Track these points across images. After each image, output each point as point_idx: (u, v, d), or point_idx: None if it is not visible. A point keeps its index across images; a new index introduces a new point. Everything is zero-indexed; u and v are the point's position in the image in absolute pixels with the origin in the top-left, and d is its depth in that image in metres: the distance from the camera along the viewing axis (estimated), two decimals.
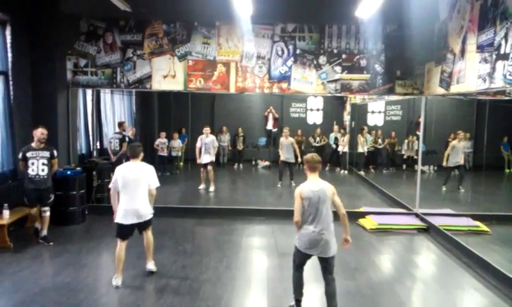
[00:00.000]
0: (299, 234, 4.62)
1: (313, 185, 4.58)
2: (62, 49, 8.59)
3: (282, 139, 11.89)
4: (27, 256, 6.35)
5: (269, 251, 6.87)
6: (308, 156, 4.74)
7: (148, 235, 5.66)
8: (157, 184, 5.56)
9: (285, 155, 11.71)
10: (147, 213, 5.49)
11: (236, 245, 7.09)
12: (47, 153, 6.82)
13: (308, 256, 4.64)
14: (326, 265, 4.58)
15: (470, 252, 6.56)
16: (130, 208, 5.36)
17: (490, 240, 7.68)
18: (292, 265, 4.82)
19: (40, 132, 6.75)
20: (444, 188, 11.57)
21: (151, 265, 5.73)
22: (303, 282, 4.76)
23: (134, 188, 5.36)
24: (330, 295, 4.57)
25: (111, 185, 5.49)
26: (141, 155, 5.55)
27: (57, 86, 8.39)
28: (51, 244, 6.85)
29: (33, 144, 6.74)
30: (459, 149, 11.29)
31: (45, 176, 6.83)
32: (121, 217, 5.37)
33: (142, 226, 5.56)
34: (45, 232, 6.92)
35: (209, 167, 11.20)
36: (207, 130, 11.27)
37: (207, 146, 11.16)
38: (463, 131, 14.14)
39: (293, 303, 4.76)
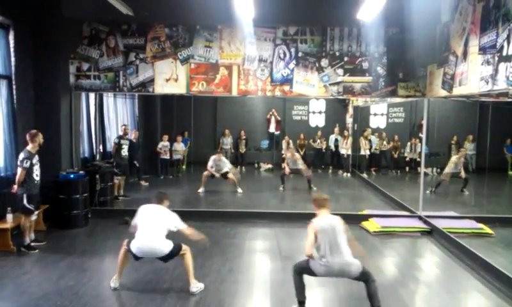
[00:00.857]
0: (318, 261, 4.72)
1: (326, 219, 4.85)
2: (65, 53, 8.62)
3: (289, 155, 12.24)
4: (31, 260, 6.37)
5: (272, 254, 6.86)
6: (315, 196, 5.16)
7: (184, 258, 5.33)
8: (184, 225, 5.38)
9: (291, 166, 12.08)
10: (162, 250, 5.24)
11: (239, 248, 7.09)
12: (37, 157, 6.84)
13: None
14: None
15: (474, 255, 6.54)
16: (143, 246, 5.22)
17: (494, 243, 7.66)
18: (294, 269, 4.89)
19: (41, 137, 6.79)
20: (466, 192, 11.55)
21: (192, 289, 5.29)
22: (304, 284, 4.84)
23: (150, 227, 5.22)
24: (370, 295, 4.74)
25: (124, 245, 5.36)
26: (166, 202, 5.55)
27: (60, 89, 8.41)
28: (45, 243, 7.01)
29: (31, 150, 6.65)
30: (458, 165, 11.26)
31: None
32: (134, 249, 5.24)
33: (163, 259, 5.35)
34: (33, 234, 6.95)
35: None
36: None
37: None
38: (466, 133, 14.20)
39: (296, 306, 4.77)
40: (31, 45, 8.02)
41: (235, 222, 8.42)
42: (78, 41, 8.71)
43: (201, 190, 11.36)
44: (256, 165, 16.49)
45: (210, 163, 11.50)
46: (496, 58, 5.89)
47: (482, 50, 6.31)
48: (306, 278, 5.75)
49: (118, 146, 10.63)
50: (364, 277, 4.75)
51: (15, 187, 6.64)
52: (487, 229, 7.97)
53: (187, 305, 4.99)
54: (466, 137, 14.51)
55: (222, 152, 12.37)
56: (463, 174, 11.33)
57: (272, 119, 16.87)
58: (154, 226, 5.24)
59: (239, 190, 11.42)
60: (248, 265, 6.43)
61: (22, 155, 6.57)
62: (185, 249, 5.36)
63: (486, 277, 5.99)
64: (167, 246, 5.24)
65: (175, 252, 5.29)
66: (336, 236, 4.69)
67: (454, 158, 11.46)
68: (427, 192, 10.92)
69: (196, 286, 5.34)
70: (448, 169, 11.24)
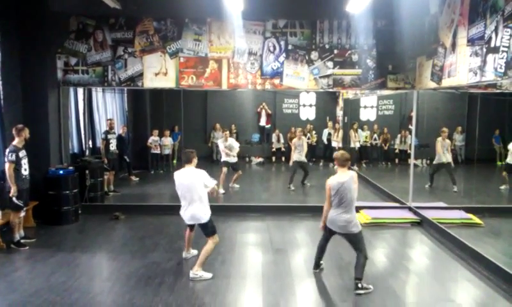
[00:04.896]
0: (330, 213, 5.44)
1: (338, 176, 5.38)
2: (52, 48, 8.51)
3: (295, 140, 11.38)
4: (21, 257, 6.33)
5: (263, 247, 6.88)
6: (337, 154, 5.56)
7: (207, 243, 5.65)
8: (212, 183, 5.76)
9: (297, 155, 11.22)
10: (202, 216, 5.60)
11: (231, 241, 7.09)
12: (24, 151, 6.76)
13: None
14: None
15: (463, 245, 6.61)
16: (186, 213, 5.66)
17: (483, 232, 7.74)
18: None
19: (27, 132, 6.72)
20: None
21: (191, 273, 5.58)
22: (324, 248, 5.72)
23: (188, 194, 5.56)
24: (357, 265, 5.29)
25: None
26: (195, 160, 5.71)
27: (47, 84, 8.31)
28: (34, 239, 6.96)
29: (18, 144, 6.60)
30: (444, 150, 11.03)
31: None
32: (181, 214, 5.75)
33: (201, 228, 5.73)
34: (22, 231, 6.89)
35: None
36: (226, 133, 11.26)
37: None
38: (455, 124, 14.28)
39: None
40: (18, 39, 7.90)
41: (227, 215, 8.40)
42: (65, 36, 8.61)
43: (221, 191, 10.45)
44: (247, 159, 16.47)
45: (220, 146, 10.96)
46: (485, 49, 5.93)
47: (471, 41, 6.35)
48: (297, 270, 5.80)
49: (106, 141, 10.54)
50: (358, 244, 5.33)
51: (12, 188, 6.51)
52: (476, 220, 8.06)
53: (179, 299, 4.98)
54: (455, 129, 14.61)
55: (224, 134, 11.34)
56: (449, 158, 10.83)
57: (263, 113, 16.88)
58: (191, 195, 5.55)
59: (222, 190, 10.49)
60: (240, 258, 6.44)
61: (7, 150, 6.52)
62: (215, 238, 5.67)
63: (475, 266, 6.07)
64: (205, 215, 5.62)
65: (208, 230, 5.65)
66: (345, 191, 5.24)
67: (439, 141, 11.02)
68: (426, 186, 10.97)
69: (196, 273, 5.53)
70: (438, 156, 11.02)
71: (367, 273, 5.77)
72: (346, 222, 5.28)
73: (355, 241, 5.36)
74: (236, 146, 11.11)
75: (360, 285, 5.18)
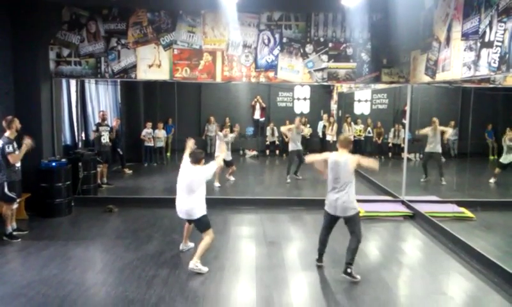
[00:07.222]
0: (326, 196, 5.59)
1: (337, 155, 5.58)
2: (44, 39, 8.40)
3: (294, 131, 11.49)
4: (13, 249, 6.29)
5: (257, 240, 6.89)
6: (341, 136, 5.93)
7: (204, 237, 5.65)
8: (214, 165, 5.83)
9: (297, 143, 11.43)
10: (196, 212, 5.60)
11: (224, 234, 7.09)
12: (16, 143, 6.70)
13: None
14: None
15: (455, 238, 6.66)
16: (178, 207, 5.73)
17: (475, 226, 7.80)
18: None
19: (18, 122, 6.66)
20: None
21: (190, 263, 5.54)
22: (326, 239, 5.72)
23: (186, 189, 5.61)
24: (349, 249, 5.42)
25: None
26: (202, 162, 5.72)
27: (40, 76, 8.22)
28: (27, 232, 6.93)
29: (10, 136, 6.54)
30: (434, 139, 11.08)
31: None
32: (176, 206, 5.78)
33: (194, 224, 5.81)
34: (15, 224, 6.84)
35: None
36: (227, 130, 11.34)
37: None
38: (449, 119, 14.34)
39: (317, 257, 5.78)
40: (9, 30, 7.81)
41: (221, 208, 8.39)
42: (58, 26, 8.51)
43: (217, 184, 10.53)
44: (241, 152, 16.45)
45: (217, 142, 10.91)
46: (479, 44, 5.94)
47: (465, 36, 6.36)
48: (291, 263, 5.81)
49: (98, 133, 10.45)
50: (353, 226, 5.46)
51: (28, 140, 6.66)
52: (468, 213, 8.11)
53: (172, 291, 4.98)
54: (448, 123, 14.69)
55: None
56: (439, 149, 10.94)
57: (257, 106, 16.84)
58: (186, 191, 5.61)
59: (217, 184, 10.55)
60: (234, 251, 6.44)
61: (1, 142, 6.44)
62: (210, 233, 5.66)
63: (467, 259, 6.12)
64: (198, 212, 5.59)
65: (202, 225, 5.65)
66: (339, 172, 5.44)
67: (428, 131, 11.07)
68: (421, 180, 11.02)
69: (196, 265, 5.50)
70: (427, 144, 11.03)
71: (360, 265, 5.81)
72: (344, 204, 5.41)
73: (351, 223, 5.48)
74: (233, 134, 11.46)
75: (349, 270, 5.32)
